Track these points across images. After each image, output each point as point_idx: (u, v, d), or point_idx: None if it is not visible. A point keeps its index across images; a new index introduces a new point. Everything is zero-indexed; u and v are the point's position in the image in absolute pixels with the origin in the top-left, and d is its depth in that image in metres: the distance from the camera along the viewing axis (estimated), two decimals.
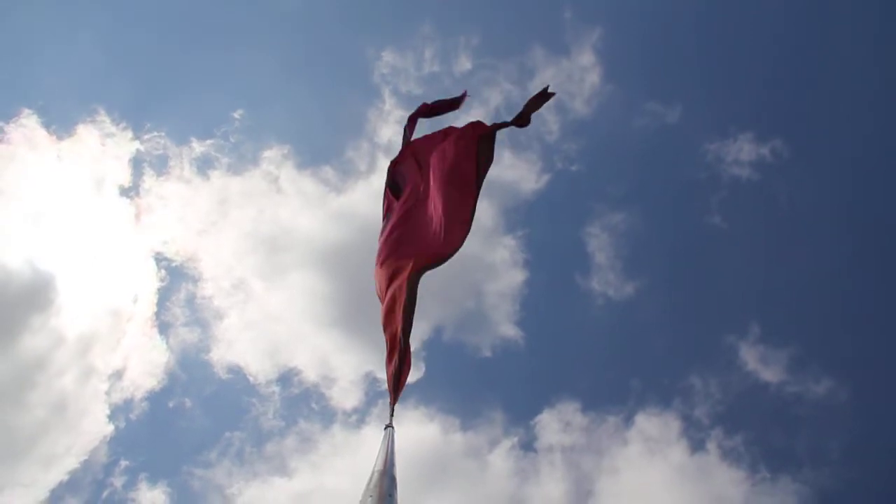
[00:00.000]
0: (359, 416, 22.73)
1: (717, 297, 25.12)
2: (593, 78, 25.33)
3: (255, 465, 21.99)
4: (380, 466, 3.60)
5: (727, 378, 22.90)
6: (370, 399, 23.07)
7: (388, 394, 4.99)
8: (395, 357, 4.59)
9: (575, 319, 25.52)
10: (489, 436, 22.65)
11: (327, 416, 23.40)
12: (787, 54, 24.84)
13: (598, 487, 21.40)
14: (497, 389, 23.97)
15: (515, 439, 22.17)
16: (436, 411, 22.73)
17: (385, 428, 4.06)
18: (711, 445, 21.50)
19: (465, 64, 25.79)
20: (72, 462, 20.23)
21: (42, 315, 22.90)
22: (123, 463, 20.82)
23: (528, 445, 22.15)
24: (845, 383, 21.69)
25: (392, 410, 4.31)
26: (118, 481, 20.41)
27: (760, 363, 23.31)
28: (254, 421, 22.82)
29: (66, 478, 19.89)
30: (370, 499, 3.36)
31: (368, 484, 3.48)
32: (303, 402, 23.96)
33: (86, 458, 20.28)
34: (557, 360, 25.28)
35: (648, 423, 22.20)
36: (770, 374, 22.80)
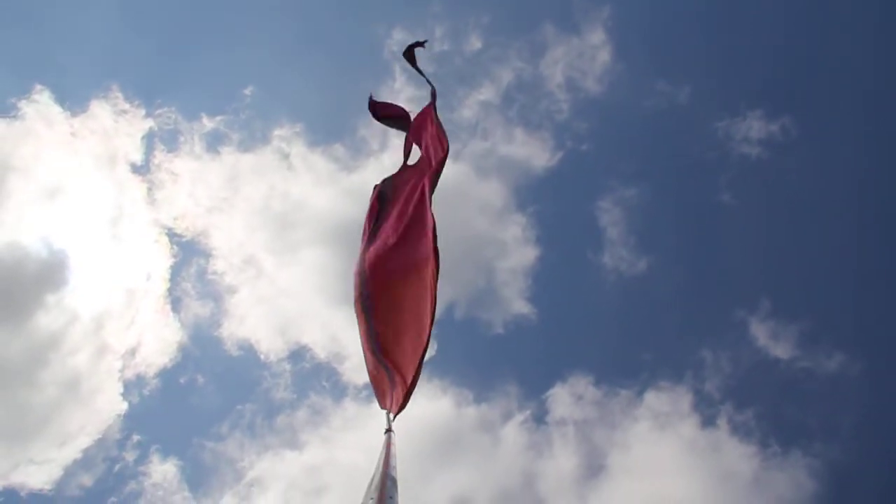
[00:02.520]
0: (369, 392, 23.02)
1: (728, 272, 25.12)
2: (604, 56, 25.14)
3: (266, 438, 22.42)
4: (381, 469, 3.74)
5: (738, 353, 22.99)
6: None
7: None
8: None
9: (587, 294, 25.63)
10: (502, 410, 22.94)
11: (338, 391, 23.77)
12: (796, 31, 24.53)
13: (609, 462, 21.67)
14: (509, 365, 24.18)
15: (528, 412, 22.45)
16: (448, 384, 23.00)
17: (385, 432, 4.20)
18: (722, 420, 21.66)
19: (475, 43, 25.65)
20: (85, 440, 20.65)
21: (56, 293, 23.30)
22: (136, 437, 21.27)
23: (540, 419, 22.42)
24: (858, 358, 21.70)
25: (393, 416, 4.43)
26: (130, 455, 20.89)
27: (771, 339, 23.34)
28: (265, 394, 23.23)
29: (79, 455, 20.32)
30: (371, 501, 3.50)
31: (370, 486, 3.63)
32: (314, 378, 24.34)
33: (100, 436, 20.71)
34: (570, 336, 25.44)
35: (660, 398, 22.38)
36: (781, 349, 22.85)
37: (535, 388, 23.25)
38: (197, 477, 21.41)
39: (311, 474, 21.31)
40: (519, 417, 22.11)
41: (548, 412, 22.12)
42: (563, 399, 22.16)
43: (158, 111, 23.89)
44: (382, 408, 4.60)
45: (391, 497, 3.54)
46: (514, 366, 23.82)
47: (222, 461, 21.41)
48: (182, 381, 22.92)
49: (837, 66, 23.61)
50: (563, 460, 21.39)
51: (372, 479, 3.69)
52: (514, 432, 22.10)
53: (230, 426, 21.84)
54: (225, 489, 21.06)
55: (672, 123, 25.35)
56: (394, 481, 3.67)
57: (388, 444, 3.99)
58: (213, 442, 21.63)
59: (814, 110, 24.47)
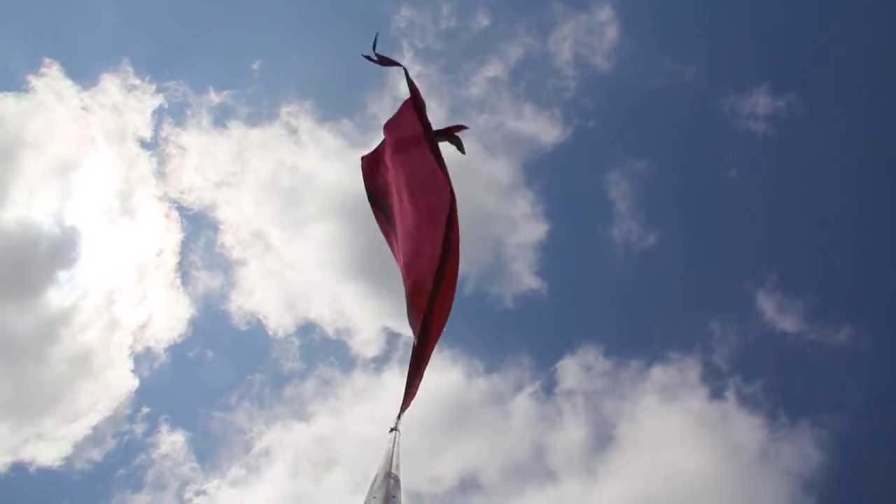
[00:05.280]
0: (377, 365, 23.29)
1: (735, 246, 25.08)
2: (612, 33, 24.85)
3: (275, 408, 22.71)
4: (385, 468, 3.81)
5: (746, 325, 23.05)
6: (391, 347, 23.54)
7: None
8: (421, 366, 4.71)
9: (596, 268, 25.68)
10: (512, 381, 23.14)
11: (347, 364, 24.02)
12: (801, 7, 24.15)
13: (618, 433, 21.88)
14: (519, 338, 24.39)
15: (538, 383, 22.67)
16: (458, 354, 23.16)
17: (390, 431, 4.26)
18: (730, 392, 21.80)
19: (482, 20, 25.38)
20: (95, 417, 20.95)
21: (68, 270, 23.51)
22: (145, 410, 21.61)
23: (549, 390, 22.65)
24: (865, 331, 21.71)
25: (400, 415, 4.48)
26: (139, 428, 21.23)
27: (779, 312, 23.36)
28: (274, 363, 23.51)
29: (89, 432, 20.65)
30: (374, 500, 3.57)
31: (373, 486, 3.68)
32: (322, 352, 24.60)
33: (110, 413, 21.02)
34: (579, 309, 25.60)
35: (668, 370, 22.51)
36: (789, 322, 22.88)
37: (544, 360, 23.47)
38: (205, 448, 21.82)
39: (320, 445, 21.63)
40: (529, 389, 22.32)
41: (557, 383, 22.34)
42: (572, 372, 22.35)
43: (167, 84, 23.85)
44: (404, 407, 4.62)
45: (394, 496, 3.60)
46: (524, 339, 24.04)
47: (231, 431, 21.76)
48: (191, 355, 23.23)
49: (843, 42, 23.31)
50: (572, 431, 21.64)
51: (375, 479, 3.75)
52: (523, 403, 22.34)
53: (239, 396, 22.16)
54: (233, 460, 21.43)
55: (679, 99, 25.17)
56: (396, 480, 3.73)
57: (393, 443, 4.06)
58: (222, 412, 21.98)
59: (819, 86, 24.24)
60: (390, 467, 3.82)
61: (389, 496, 3.61)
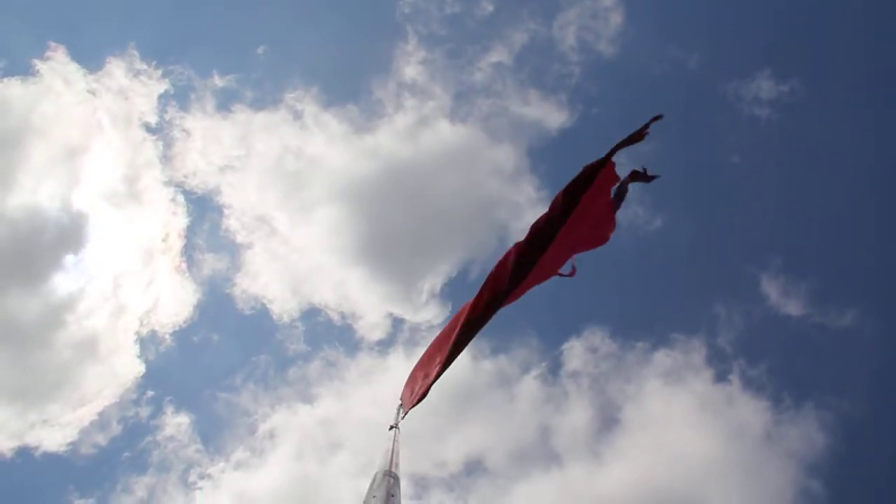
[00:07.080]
0: (381, 348, 23.41)
1: (740, 230, 25.08)
2: (616, 18, 24.69)
3: (279, 390, 22.87)
4: (384, 467, 3.92)
5: (750, 308, 23.09)
6: (396, 331, 23.64)
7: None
8: (432, 372, 4.82)
9: (602, 252, 25.67)
10: (518, 365, 23.27)
11: (350, 348, 24.16)
12: None
13: (623, 415, 22.02)
14: (526, 321, 24.46)
15: (544, 365, 22.79)
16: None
17: (390, 428, 4.36)
18: (735, 375, 21.89)
19: (487, 5, 25.23)
20: (101, 402, 21.04)
21: (74, 255, 23.65)
22: (150, 393, 21.76)
23: (555, 372, 22.78)
24: (870, 313, 21.73)
25: (405, 414, 4.57)
26: (144, 411, 21.40)
27: (783, 295, 23.39)
28: (279, 345, 23.63)
29: (95, 418, 20.83)
30: (374, 499, 3.68)
31: (372, 484, 3.75)
32: (327, 336, 24.73)
33: (116, 400, 21.18)
34: (585, 293, 25.64)
35: (673, 353, 22.60)
36: (793, 305, 22.91)
37: (550, 342, 23.57)
38: (210, 430, 22.00)
39: (325, 428, 21.82)
40: (535, 371, 22.46)
41: (563, 365, 22.47)
42: (578, 352, 22.45)
43: (172, 68, 23.84)
44: (406, 404, 4.72)
45: (393, 495, 3.70)
46: (530, 321, 24.09)
47: (236, 413, 21.95)
48: (196, 339, 23.40)
49: (845, 27, 23.10)
50: (577, 414, 21.78)
51: (374, 477, 3.85)
52: (529, 386, 22.48)
53: (243, 378, 22.32)
54: (237, 442, 21.62)
55: (683, 85, 25.05)
56: (396, 479, 3.81)
57: (393, 442, 4.16)
58: (227, 393, 22.17)
59: (822, 70, 24.08)
60: (390, 466, 3.92)
61: (389, 495, 3.71)
